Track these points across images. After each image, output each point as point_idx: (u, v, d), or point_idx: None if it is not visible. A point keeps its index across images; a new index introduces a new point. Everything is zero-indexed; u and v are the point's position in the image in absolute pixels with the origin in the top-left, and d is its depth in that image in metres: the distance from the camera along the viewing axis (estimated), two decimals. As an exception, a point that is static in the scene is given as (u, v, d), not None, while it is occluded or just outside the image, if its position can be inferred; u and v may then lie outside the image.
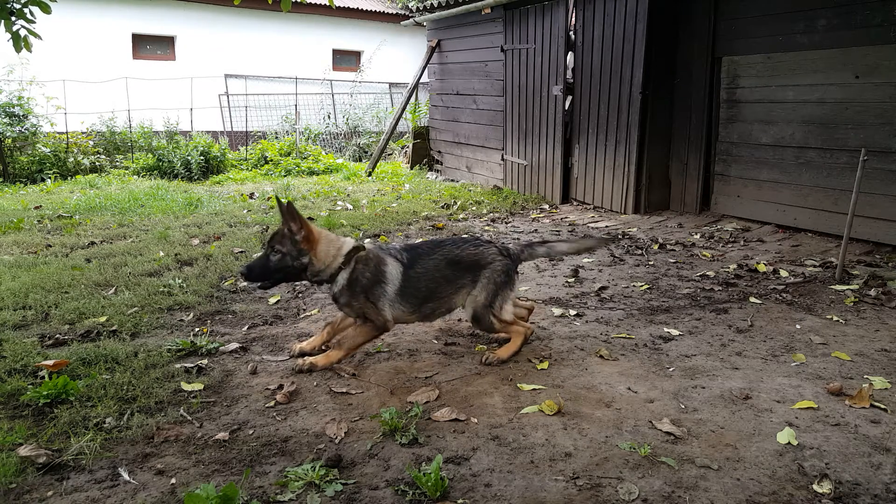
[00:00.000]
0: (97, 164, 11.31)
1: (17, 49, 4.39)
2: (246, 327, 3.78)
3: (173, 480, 2.24)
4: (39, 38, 4.51)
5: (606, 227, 6.77)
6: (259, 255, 2.87)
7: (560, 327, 3.74)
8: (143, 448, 2.45)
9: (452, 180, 10.58)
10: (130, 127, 12.24)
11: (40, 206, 7.74)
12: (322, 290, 3.24)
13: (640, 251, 5.63)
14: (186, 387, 2.95)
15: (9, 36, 4.38)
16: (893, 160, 5.36)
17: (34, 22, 4.47)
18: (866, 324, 3.77)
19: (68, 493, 2.17)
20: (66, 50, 12.70)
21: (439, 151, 11.37)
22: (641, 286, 4.56)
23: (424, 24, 11.17)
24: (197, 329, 3.72)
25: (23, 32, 4.42)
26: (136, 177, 10.71)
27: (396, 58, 16.87)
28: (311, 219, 6.91)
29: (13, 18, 4.34)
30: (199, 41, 15.04)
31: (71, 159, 10.99)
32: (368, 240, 3.10)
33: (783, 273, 4.82)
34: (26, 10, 4.38)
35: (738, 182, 6.69)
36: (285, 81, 15.16)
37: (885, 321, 3.80)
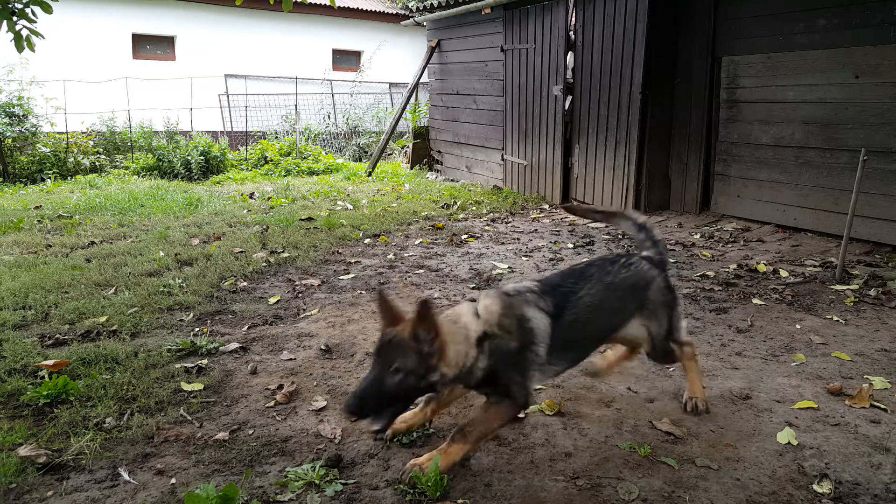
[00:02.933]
0: (97, 164, 11.31)
1: (20, 49, 4.39)
2: (246, 327, 3.78)
3: (173, 480, 2.24)
4: (42, 37, 4.52)
5: (606, 227, 6.77)
6: (367, 377, 2.11)
7: (560, 327, 3.73)
8: (143, 448, 2.45)
9: (452, 180, 10.57)
10: (130, 127, 12.23)
11: (40, 206, 7.74)
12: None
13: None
14: (186, 387, 2.95)
15: (10, 36, 4.38)
16: (893, 160, 5.36)
17: (35, 21, 4.47)
18: (866, 324, 3.77)
19: (68, 493, 2.17)
20: (66, 50, 12.69)
21: (439, 151, 11.37)
22: (641, 286, 4.56)
23: (424, 24, 11.16)
24: (197, 329, 3.72)
25: (25, 32, 4.42)
26: (136, 177, 10.71)
27: (396, 58, 16.86)
28: (310, 219, 6.91)
29: (15, 18, 4.35)
30: (199, 41, 15.04)
31: (71, 159, 10.99)
32: (487, 294, 2.35)
33: (783, 273, 4.82)
34: (28, 10, 4.38)
35: (738, 182, 6.69)
36: (285, 81, 15.16)
37: (885, 321, 3.80)
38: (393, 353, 2.07)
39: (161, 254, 5.33)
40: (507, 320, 2.22)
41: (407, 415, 2.45)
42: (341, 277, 4.81)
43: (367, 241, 6.04)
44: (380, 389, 2.06)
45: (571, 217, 7.32)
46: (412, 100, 12.06)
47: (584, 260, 2.86)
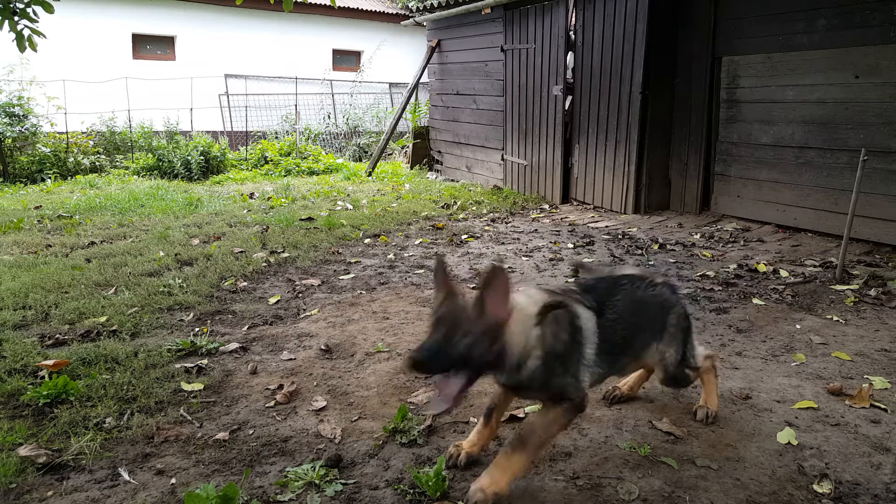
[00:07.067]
0: (97, 164, 11.32)
1: (21, 49, 4.40)
2: (246, 327, 3.78)
3: (173, 480, 2.24)
4: (44, 36, 4.52)
5: (606, 227, 6.77)
6: (432, 337, 1.96)
7: (560, 327, 3.73)
8: (143, 448, 2.45)
9: (452, 180, 10.57)
10: (130, 127, 12.24)
11: (40, 206, 7.74)
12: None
13: (640, 251, 5.63)
14: (186, 387, 2.95)
15: (12, 35, 4.39)
16: (893, 160, 5.36)
17: (37, 21, 4.48)
18: (866, 324, 3.77)
19: (68, 493, 2.17)
20: (67, 50, 12.69)
21: (439, 151, 11.37)
22: (641, 286, 4.56)
23: (424, 24, 11.17)
24: (197, 329, 3.72)
25: (26, 32, 4.43)
26: (136, 177, 10.72)
27: (396, 58, 16.87)
28: (310, 219, 6.91)
29: (16, 18, 4.35)
30: (199, 41, 15.05)
31: (71, 159, 11.00)
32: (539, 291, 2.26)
33: (783, 273, 4.82)
34: (29, 10, 4.39)
35: (738, 182, 6.69)
36: (285, 81, 15.16)
37: (885, 321, 3.80)
38: (462, 317, 1.94)
39: (161, 254, 5.33)
40: (562, 314, 2.14)
41: (472, 437, 2.37)
42: (341, 277, 4.81)
43: (367, 241, 6.04)
44: (448, 349, 1.91)
45: (571, 217, 7.32)
46: (412, 100, 12.07)
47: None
